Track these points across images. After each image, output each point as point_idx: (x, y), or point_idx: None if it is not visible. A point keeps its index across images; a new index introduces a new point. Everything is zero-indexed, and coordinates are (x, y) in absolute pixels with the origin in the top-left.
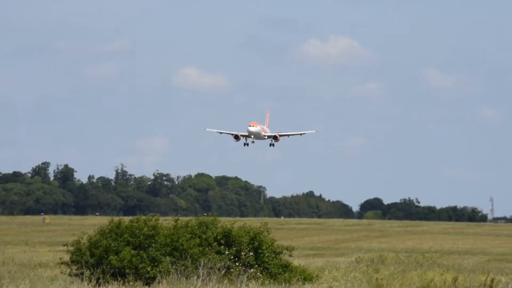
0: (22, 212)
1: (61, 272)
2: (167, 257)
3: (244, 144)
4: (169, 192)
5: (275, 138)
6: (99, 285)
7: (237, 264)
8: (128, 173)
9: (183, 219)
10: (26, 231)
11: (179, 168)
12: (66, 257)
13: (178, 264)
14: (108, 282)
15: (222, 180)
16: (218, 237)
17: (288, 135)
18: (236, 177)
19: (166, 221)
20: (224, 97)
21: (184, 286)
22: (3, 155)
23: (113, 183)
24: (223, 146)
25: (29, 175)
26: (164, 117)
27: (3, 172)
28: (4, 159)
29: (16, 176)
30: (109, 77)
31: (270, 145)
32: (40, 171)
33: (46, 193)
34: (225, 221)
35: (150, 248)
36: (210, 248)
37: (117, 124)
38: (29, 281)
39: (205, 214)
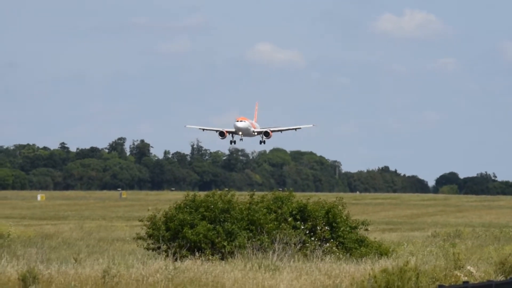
0: (99, 187)
1: (138, 246)
2: (243, 232)
3: (231, 142)
4: (244, 167)
5: (266, 134)
6: (176, 259)
7: (312, 239)
8: (204, 148)
9: (259, 194)
10: (104, 206)
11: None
12: (143, 232)
13: (254, 239)
14: (184, 256)
15: (297, 155)
16: (294, 212)
17: (281, 130)
18: (311, 152)
19: (241, 196)
20: (298, 73)
21: (260, 260)
22: (80, 131)
23: (188, 158)
24: (298, 120)
25: (106, 150)
26: (239, 92)
27: (80, 148)
28: (82, 135)
29: (93, 152)
30: (183, 53)
31: (261, 142)
32: (117, 146)
33: (123, 168)
34: (300, 196)
35: (226, 223)
36: (285, 223)
37: (192, 100)
38: (107, 255)
39: (280, 189)
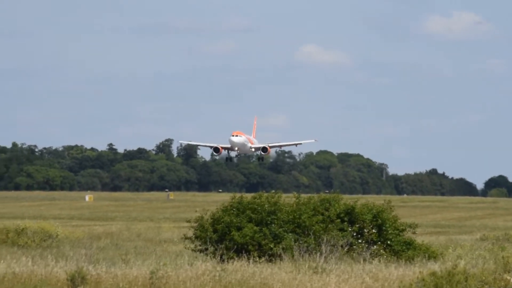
0: (146, 189)
1: (185, 248)
2: (290, 234)
3: (227, 159)
4: (291, 169)
5: (264, 150)
6: (223, 261)
7: (360, 241)
8: None
9: (305, 196)
10: (151, 207)
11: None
12: (190, 233)
13: (300, 241)
14: (231, 258)
15: (344, 157)
16: (341, 214)
17: (280, 146)
18: (358, 154)
19: (288, 198)
20: (344, 74)
21: (307, 262)
22: (128, 132)
23: (235, 160)
24: (345, 122)
25: (153, 152)
26: (284, 93)
27: (128, 149)
28: (129, 136)
29: (140, 153)
30: (230, 54)
31: (259, 159)
32: (164, 148)
33: (170, 169)
34: (347, 198)
35: (273, 225)
36: (332, 225)
37: (238, 101)
38: (155, 256)
39: (327, 191)
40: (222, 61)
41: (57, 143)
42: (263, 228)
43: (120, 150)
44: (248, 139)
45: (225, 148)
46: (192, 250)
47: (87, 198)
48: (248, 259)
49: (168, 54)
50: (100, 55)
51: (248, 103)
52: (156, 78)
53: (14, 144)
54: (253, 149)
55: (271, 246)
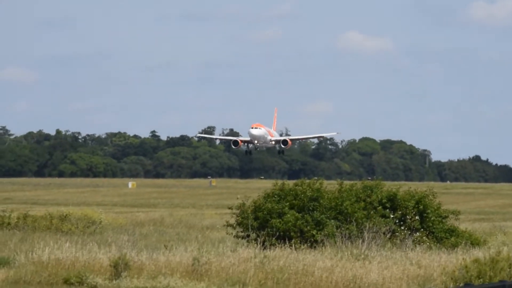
0: (189, 175)
1: (227, 234)
2: (332, 221)
3: (246, 152)
4: (333, 156)
5: (284, 143)
6: (265, 247)
7: (402, 228)
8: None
9: (347, 183)
10: (193, 194)
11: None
12: (232, 220)
13: (342, 228)
14: (273, 244)
15: (387, 144)
16: (383, 200)
17: (301, 139)
18: (401, 140)
19: (330, 185)
20: (388, 60)
21: (349, 249)
22: (171, 119)
23: (277, 147)
24: (388, 109)
25: (196, 139)
26: (328, 80)
27: (171, 136)
28: (172, 123)
29: (183, 140)
30: (274, 41)
31: (279, 152)
32: (206, 135)
33: (212, 156)
34: (390, 185)
35: (315, 212)
36: (375, 211)
37: (282, 88)
38: (197, 243)
39: (369, 178)
40: (266, 47)
41: (100, 130)
42: (305, 215)
43: (163, 137)
44: (268, 132)
45: (244, 142)
46: (234, 236)
47: (130, 185)
48: (290, 245)
49: (213, 41)
50: (144, 43)
51: (292, 90)
52: (200, 65)
53: (58, 132)
54: (273, 142)
55: (313, 233)
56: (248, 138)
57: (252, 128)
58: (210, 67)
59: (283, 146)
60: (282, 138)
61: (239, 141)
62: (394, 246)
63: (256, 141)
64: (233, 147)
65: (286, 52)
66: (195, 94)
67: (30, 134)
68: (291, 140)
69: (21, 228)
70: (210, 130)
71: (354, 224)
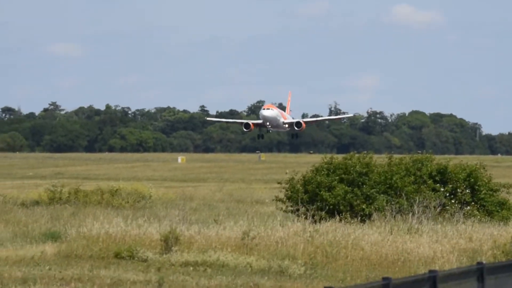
0: (238, 150)
1: (277, 209)
2: (382, 195)
3: (258, 136)
4: (383, 130)
5: (298, 125)
6: (315, 221)
7: (452, 201)
8: (342, 111)
9: (397, 157)
10: (243, 168)
11: (393, 106)
12: (281, 194)
13: (392, 202)
14: (323, 218)
15: (437, 117)
16: (433, 174)
17: (316, 121)
18: (451, 114)
19: (379, 159)
20: (438, 33)
21: (399, 223)
22: (220, 94)
23: (326, 121)
24: (437, 82)
25: (245, 113)
26: (378, 54)
27: (220, 111)
28: (221, 98)
29: (232, 115)
30: (321, 15)
31: (293, 136)
32: (256, 109)
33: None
34: (439, 159)
35: (364, 186)
36: (425, 185)
37: (331, 62)
38: (247, 217)
39: (419, 152)
40: (314, 22)
41: (150, 105)
42: (355, 189)
43: (212, 112)
44: (280, 114)
45: (256, 125)
46: (284, 211)
47: (179, 159)
48: (340, 219)
49: (261, 16)
50: (192, 18)
51: (339, 64)
52: (249, 39)
53: (108, 107)
54: (286, 125)
55: (363, 207)
56: (260, 121)
57: (264, 109)
58: (259, 42)
59: (296, 128)
60: (295, 120)
61: (251, 124)
62: (444, 220)
63: (268, 124)
64: (244, 130)
65: (333, 27)
66: (244, 69)
67: (80, 109)
68: (305, 122)
69: (72, 202)
70: (259, 105)
71: (404, 198)
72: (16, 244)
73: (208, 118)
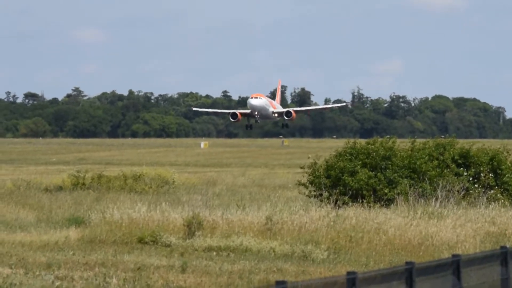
0: (261, 135)
1: (299, 193)
2: (405, 179)
3: (247, 127)
4: (406, 114)
5: (288, 114)
6: (338, 206)
7: (476, 185)
8: (365, 96)
9: (420, 141)
10: (265, 153)
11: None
12: (304, 179)
13: (415, 186)
14: (346, 203)
15: (460, 102)
16: (456, 158)
17: (307, 110)
18: (474, 98)
19: (402, 143)
20: (461, 16)
21: (422, 207)
22: (242, 79)
23: (349, 106)
24: (460, 67)
25: None
26: (400, 38)
27: (242, 96)
28: (243, 83)
29: None
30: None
31: (283, 125)
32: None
33: None
34: (463, 143)
35: (387, 170)
36: (448, 169)
37: (353, 47)
38: (270, 202)
39: (442, 136)
40: (336, 7)
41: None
42: (378, 174)
43: (235, 97)
44: (270, 103)
45: (244, 114)
46: (307, 195)
47: (202, 145)
48: (363, 204)
49: (283, 1)
50: (215, 3)
51: (362, 49)
52: (271, 24)
53: (131, 92)
54: (275, 114)
55: (386, 191)
56: (248, 111)
57: (252, 98)
58: (281, 27)
59: (286, 118)
60: (285, 110)
61: (238, 114)
62: (467, 204)
63: (256, 113)
64: (231, 120)
65: (356, 11)
66: (266, 54)
67: (103, 95)
68: (295, 111)
69: (96, 188)
70: (282, 89)
71: (427, 182)
72: (40, 229)
73: (194, 109)
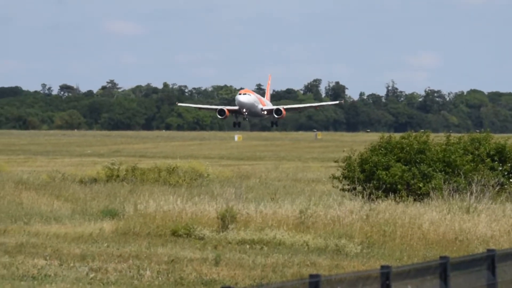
0: (294, 129)
1: (333, 187)
2: (439, 173)
3: (234, 124)
4: (441, 109)
5: (278, 112)
6: (371, 200)
7: (511, 180)
8: (399, 90)
9: (455, 136)
10: (299, 147)
11: (451, 84)
12: (338, 173)
13: (450, 181)
14: (379, 197)
15: (495, 96)
16: (491, 153)
17: (298, 108)
18: (510, 92)
19: (437, 138)
20: (496, 10)
21: (456, 202)
22: (277, 72)
23: (383, 100)
24: (496, 60)
25: (301, 92)
26: (435, 32)
27: (276, 90)
28: (278, 76)
29: (288, 93)
30: None
31: (272, 123)
32: (312, 88)
33: (318, 109)
34: (498, 137)
35: (422, 164)
36: (483, 164)
37: (388, 41)
38: (304, 196)
39: (477, 131)
40: (370, 0)
41: (207, 84)
42: (412, 168)
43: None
44: (259, 100)
45: (231, 111)
46: (340, 189)
47: (236, 138)
48: (396, 199)
49: None
50: None
51: (397, 43)
52: (306, 17)
53: (165, 85)
54: (265, 112)
55: (420, 185)
56: (236, 107)
57: (240, 94)
58: (315, 20)
59: (276, 116)
60: (275, 107)
61: (226, 110)
62: (502, 199)
63: (244, 110)
64: (219, 117)
65: (391, 3)
66: (300, 47)
67: (138, 87)
68: (285, 109)
69: (130, 180)
70: (315, 83)
71: (462, 177)
72: (75, 221)
73: (179, 104)
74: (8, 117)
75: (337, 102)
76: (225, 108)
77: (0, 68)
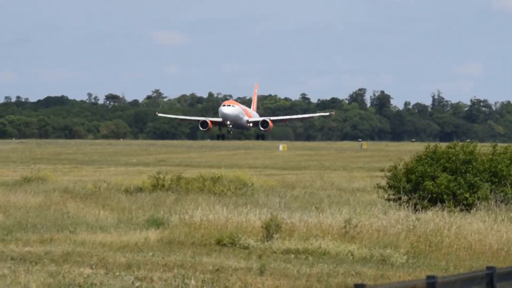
0: (339, 138)
1: (378, 197)
2: (486, 183)
3: (218, 137)
4: (487, 118)
5: (264, 125)
6: (417, 210)
7: None
8: (445, 100)
9: (502, 145)
10: (344, 156)
11: (498, 94)
12: (383, 182)
13: (497, 191)
14: (425, 207)
15: None
16: None
17: (285, 120)
18: None
19: (483, 147)
20: None
21: (503, 213)
22: (321, 82)
23: (429, 110)
24: None
25: (346, 101)
26: (482, 42)
27: (321, 99)
28: (323, 85)
29: (333, 103)
30: (422, 3)
31: (258, 136)
32: (357, 97)
33: (363, 119)
34: None
35: (468, 174)
36: None
37: (434, 50)
38: (348, 205)
39: None
40: (416, 10)
41: (251, 93)
42: (458, 178)
43: (313, 99)
44: (244, 111)
45: (215, 123)
46: (386, 199)
47: (281, 147)
48: (443, 209)
49: (363, 2)
50: (295, 5)
51: (441, 52)
52: (351, 27)
53: (210, 94)
54: (250, 124)
55: (466, 195)
56: (219, 119)
57: (224, 105)
58: (360, 29)
59: (262, 128)
60: (261, 119)
61: (209, 122)
62: None
63: (229, 122)
64: (201, 129)
65: (434, 13)
66: (346, 56)
67: (183, 97)
68: (272, 121)
69: (175, 189)
70: (361, 92)
71: (509, 187)
72: (120, 230)
73: (159, 114)
74: (54, 127)
75: (327, 113)
76: (208, 119)
77: (47, 78)
